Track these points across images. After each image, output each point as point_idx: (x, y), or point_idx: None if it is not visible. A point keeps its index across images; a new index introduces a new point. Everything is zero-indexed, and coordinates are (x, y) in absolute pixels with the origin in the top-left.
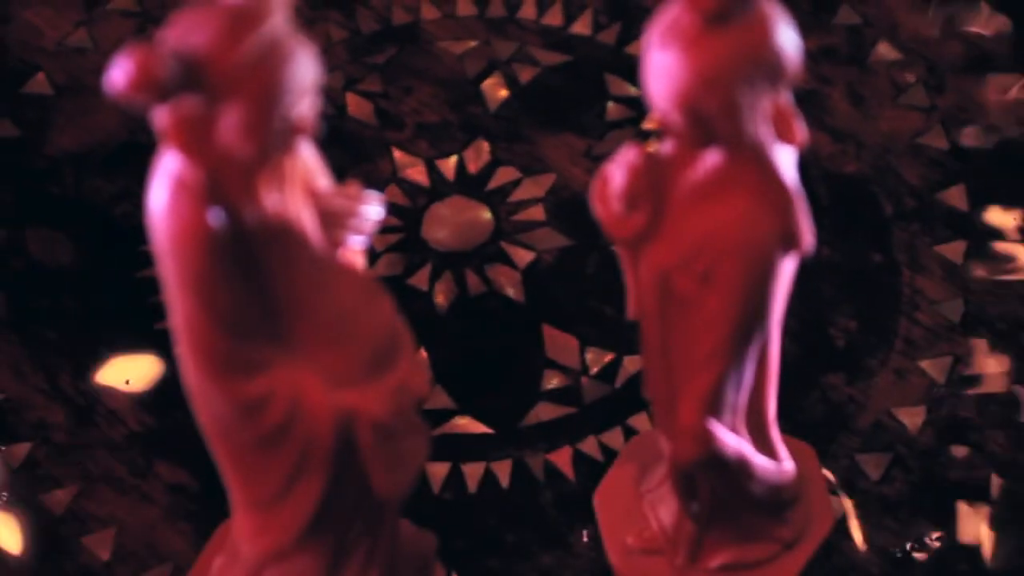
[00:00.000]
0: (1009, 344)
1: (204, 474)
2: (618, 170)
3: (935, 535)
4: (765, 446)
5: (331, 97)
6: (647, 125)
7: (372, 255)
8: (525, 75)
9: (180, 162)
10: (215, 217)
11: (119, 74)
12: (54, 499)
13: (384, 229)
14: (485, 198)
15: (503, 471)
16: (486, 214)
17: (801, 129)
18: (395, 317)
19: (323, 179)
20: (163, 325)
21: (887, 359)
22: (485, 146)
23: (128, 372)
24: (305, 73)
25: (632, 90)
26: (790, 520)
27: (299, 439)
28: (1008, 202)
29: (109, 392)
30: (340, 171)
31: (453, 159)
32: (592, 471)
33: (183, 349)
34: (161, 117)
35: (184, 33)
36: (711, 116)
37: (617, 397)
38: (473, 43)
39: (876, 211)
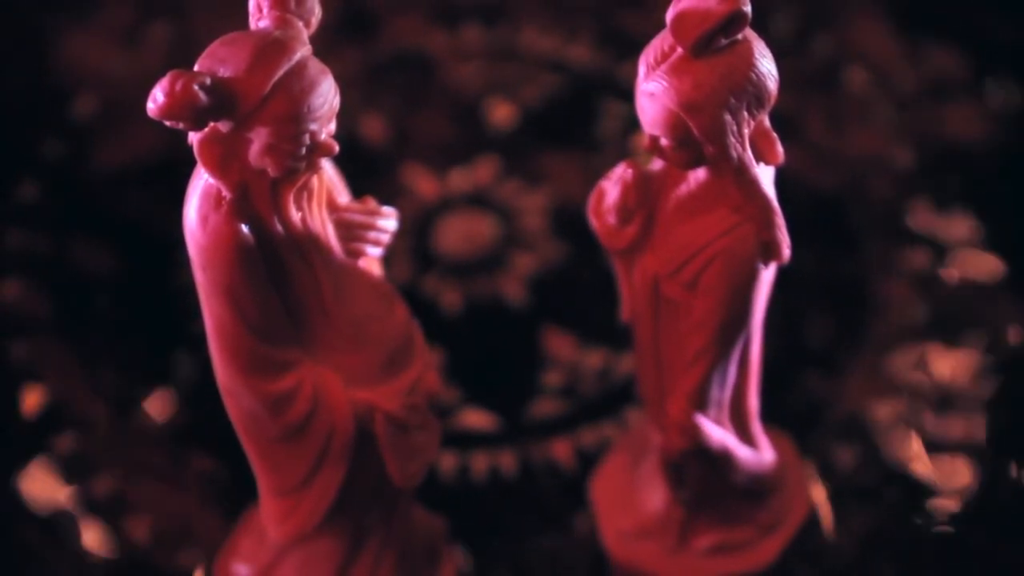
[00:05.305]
0: (970, 343)
1: (234, 464)
2: (613, 186)
3: (905, 519)
4: (747, 438)
5: (347, 118)
6: (640, 144)
7: (387, 264)
8: (528, 95)
9: (213, 179)
10: (244, 231)
11: (157, 99)
12: (97, 488)
13: (397, 240)
14: (491, 210)
15: (507, 461)
16: (491, 225)
17: (779, 148)
18: (409, 321)
19: (343, 195)
20: (196, 327)
21: (859, 357)
22: (491, 162)
23: (164, 371)
24: (327, 99)
25: (627, 110)
26: (770, 506)
27: (321, 432)
28: (969, 213)
29: (147, 388)
30: (356, 186)
31: (461, 174)
32: (589, 461)
33: (214, 350)
34: (195, 139)
35: (218, 62)
36: (697, 138)
37: (612, 393)
38: (479, 65)
39: (849, 223)
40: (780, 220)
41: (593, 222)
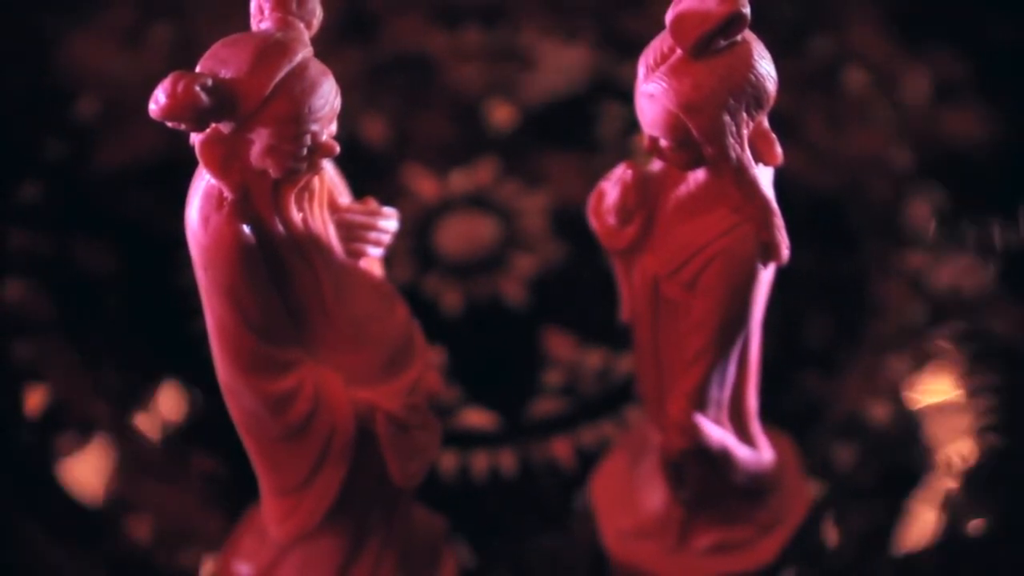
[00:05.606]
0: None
1: (235, 463)
2: (612, 187)
3: (903, 518)
4: (747, 437)
5: (348, 118)
6: (639, 145)
7: (388, 264)
8: (529, 96)
9: (214, 180)
10: (245, 231)
11: (159, 100)
12: (98, 487)
13: (398, 240)
14: (491, 211)
15: (507, 460)
16: (492, 226)
17: (778, 149)
18: (409, 321)
19: (344, 195)
20: (198, 327)
21: (858, 358)
22: (491, 163)
23: (166, 369)
24: (328, 100)
25: (626, 111)
26: (770, 505)
27: (322, 432)
28: (967, 215)
29: (148, 388)
30: (357, 187)
31: (461, 174)
32: (589, 460)
33: (216, 349)
34: (197, 140)
35: (220, 63)
36: (696, 139)
37: (612, 393)
38: (479, 66)
39: (848, 223)
40: (779, 220)
41: (593, 223)
